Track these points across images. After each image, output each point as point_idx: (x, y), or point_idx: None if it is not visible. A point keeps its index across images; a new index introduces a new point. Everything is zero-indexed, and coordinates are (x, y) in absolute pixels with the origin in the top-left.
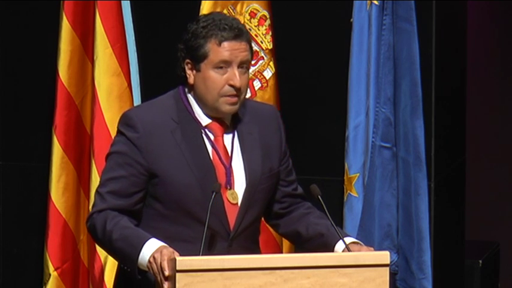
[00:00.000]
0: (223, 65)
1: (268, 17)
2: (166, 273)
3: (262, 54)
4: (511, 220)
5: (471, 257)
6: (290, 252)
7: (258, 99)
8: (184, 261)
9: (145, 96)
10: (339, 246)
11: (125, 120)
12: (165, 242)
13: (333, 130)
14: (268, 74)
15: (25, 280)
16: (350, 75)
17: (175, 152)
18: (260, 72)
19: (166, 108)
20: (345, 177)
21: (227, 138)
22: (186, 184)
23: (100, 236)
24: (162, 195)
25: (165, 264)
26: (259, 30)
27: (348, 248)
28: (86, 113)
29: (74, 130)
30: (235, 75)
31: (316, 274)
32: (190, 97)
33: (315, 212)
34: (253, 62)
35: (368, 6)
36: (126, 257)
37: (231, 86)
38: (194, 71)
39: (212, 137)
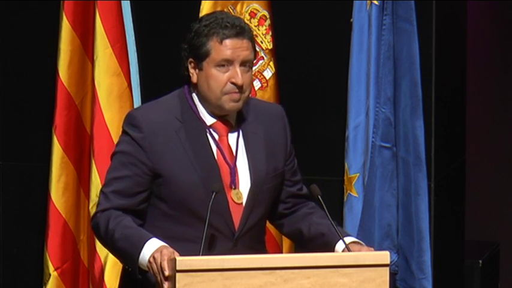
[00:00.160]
0: (225, 63)
1: (268, 17)
2: (166, 273)
3: (262, 54)
4: (511, 220)
5: (471, 257)
6: (290, 252)
7: None
8: (184, 261)
9: (145, 96)
10: (340, 246)
11: (130, 120)
12: (170, 242)
13: (333, 130)
14: (268, 74)
15: (25, 280)
16: (350, 75)
17: (180, 151)
18: (260, 72)
19: (171, 108)
20: (345, 177)
21: (232, 137)
22: (190, 184)
23: (103, 235)
24: (167, 195)
25: (165, 264)
26: (259, 30)
27: (347, 248)
28: (86, 113)
29: (74, 130)
30: (237, 74)
31: (316, 274)
32: (194, 96)
33: (318, 211)
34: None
35: (368, 6)
36: (127, 257)
37: (233, 84)
38: (197, 70)
39: (217, 137)
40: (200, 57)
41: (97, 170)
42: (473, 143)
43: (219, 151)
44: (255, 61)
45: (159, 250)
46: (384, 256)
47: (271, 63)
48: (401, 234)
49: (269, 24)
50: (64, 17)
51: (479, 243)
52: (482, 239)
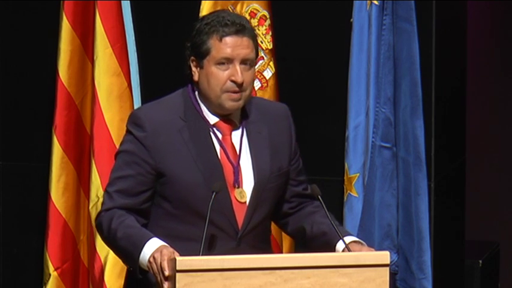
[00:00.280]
0: (225, 61)
1: (268, 17)
2: (166, 273)
3: (262, 54)
4: (511, 220)
5: (471, 257)
6: (290, 252)
7: None
8: (184, 261)
9: (145, 96)
10: (340, 245)
11: (133, 119)
12: (174, 241)
13: (333, 130)
14: (268, 74)
15: (25, 280)
16: (350, 75)
17: (183, 150)
18: (260, 72)
19: (175, 107)
20: (345, 177)
21: (235, 136)
22: (193, 183)
23: (106, 234)
24: (170, 194)
25: (165, 264)
26: (259, 30)
27: (347, 248)
28: (86, 113)
29: (74, 130)
30: (236, 72)
31: (316, 274)
32: (198, 95)
33: (321, 210)
34: None
35: (368, 6)
36: (128, 256)
37: (233, 82)
38: (198, 68)
39: (220, 136)
40: (201, 55)
41: (97, 170)
42: (473, 143)
43: (222, 150)
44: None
45: (159, 250)
46: (384, 256)
47: (271, 63)
48: (401, 234)
49: (269, 24)
50: (64, 17)
51: (479, 243)
52: (482, 239)
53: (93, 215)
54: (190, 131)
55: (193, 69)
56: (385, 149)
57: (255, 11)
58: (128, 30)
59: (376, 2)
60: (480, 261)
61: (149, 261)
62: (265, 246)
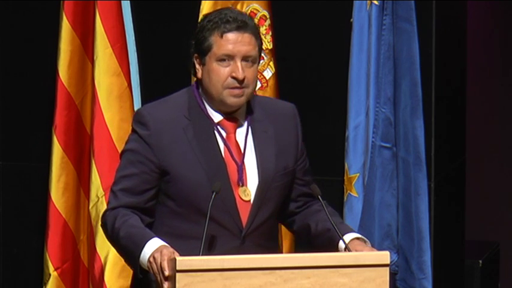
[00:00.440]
0: (226, 57)
1: (268, 17)
2: (166, 273)
3: (262, 54)
4: (511, 220)
5: (471, 257)
6: (290, 252)
7: None
8: (184, 261)
9: (145, 96)
10: (342, 242)
11: (137, 118)
12: (178, 240)
13: (333, 130)
14: (268, 74)
15: (25, 280)
16: (350, 75)
17: (187, 149)
18: (260, 72)
19: (179, 105)
20: (345, 177)
21: (240, 135)
22: (197, 181)
23: (110, 234)
24: (174, 193)
25: (165, 264)
26: None
27: (347, 248)
28: (86, 113)
29: (74, 130)
30: (237, 68)
31: (316, 274)
32: (202, 93)
33: (327, 208)
34: None
35: (368, 6)
36: (130, 256)
37: (234, 78)
38: (201, 65)
39: (224, 134)
40: (203, 52)
41: (97, 170)
42: (473, 143)
43: (226, 148)
44: None
45: (159, 250)
46: (384, 256)
47: (271, 63)
48: (401, 234)
49: (269, 24)
50: (64, 17)
51: (479, 243)
52: (482, 239)
53: (93, 215)
54: (194, 129)
55: (197, 66)
56: (385, 149)
57: (255, 11)
58: (128, 30)
59: (376, 2)
60: (480, 261)
61: (149, 261)
62: (271, 244)
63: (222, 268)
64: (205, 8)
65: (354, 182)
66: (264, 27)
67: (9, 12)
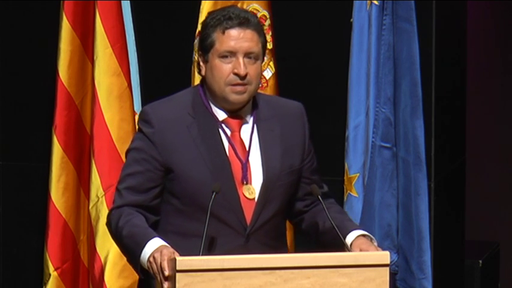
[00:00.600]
0: (228, 54)
1: (268, 17)
2: (166, 273)
3: None
4: (511, 220)
5: (471, 257)
6: (290, 252)
7: None
8: (184, 261)
9: (145, 96)
10: (348, 239)
11: (142, 116)
12: (183, 238)
13: (333, 130)
14: (268, 74)
15: (25, 280)
16: (350, 75)
17: (191, 147)
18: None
19: (184, 103)
20: (345, 177)
21: (245, 133)
22: (201, 179)
23: (113, 233)
24: (178, 191)
25: (165, 264)
26: None
27: (347, 248)
28: (86, 113)
29: (74, 130)
30: (239, 64)
31: (316, 274)
32: (207, 91)
33: (335, 207)
34: None
35: (368, 6)
36: (131, 255)
37: (236, 74)
38: (205, 62)
39: (229, 132)
40: (206, 48)
41: (97, 170)
42: (473, 143)
43: (230, 146)
44: None
45: (159, 250)
46: (384, 256)
47: (271, 63)
48: (401, 234)
49: (269, 24)
50: (64, 17)
51: (479, 243)
52: (482, 239)
53: (93, 215)
54: (198, 128)
55: (201, 64)
56: (385, 149)
57: (255, 11)
58: (128, 30)
59: (376, 2)
60: (480, 261)
61: (149, 260)
62: (277, 243)
63: (222, 268)
64: (205, 8)
65: (354, 182)
66: (264, 27)
67: (9, 12)
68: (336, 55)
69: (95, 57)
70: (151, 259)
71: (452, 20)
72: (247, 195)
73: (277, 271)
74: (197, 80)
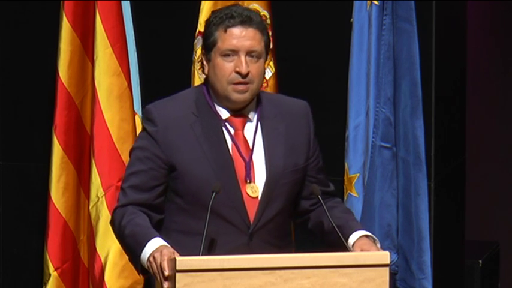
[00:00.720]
0: (231, 52)
1: (268, 17)
2: (166, 273)
3: None
4: (511, 220)
5: (471, 257)
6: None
7: None
8: (184, 261)
9: (145, 96)
10: (351, 239)
11: (146, 114)
12: (186, 236)
13: (333, 130)
14: (268, 74)
15: (25, 280)
16: (350, 75)
17: (194, 145)
18: None
19: (188, 102)
20: (345, 177)
21: (249, 132)
22: (204, 177)
23: (116, 231)
24: (181, 189)
25: (165, 264)
26: None
27: (347, 247)
28: (86, 113)
29: (74, 130)
30: (241, 63)
31: (316, 274)
32: (211, 90)
33: (341, 206)
34: None
35: (368, 6)
36: (132, 254)
37: (238, 73)
38: (208, 61)
39: (232, 131)
40: (209, 47)
41: (97, 170)
42: (473, 143)
43: (234, 145)
44: None
45: (159, 250)
46: (384, 256)
47: (271, 63)
48: (401, 234)
49: (269, 24)
50: (64, 17)
51: (479, 243)
52: (482, 239)
53: (93, 215)
54: (202, 126)
55: (204, 62)
56: (385, 149)
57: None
58: (128, 30)
59: (376, 2)
60: (480, 261)
61: (149, 260)
62: (282, 243)
63: (222, 268)
64: (205, 8)
65: (354, 182)
66: None
67: (9, 12)
68: (336, 55)
69: (95, 57)
70: (151, 259)
71: (452, 20)
72: (250, 193)
73: (277, 271)
74: (197, 80)
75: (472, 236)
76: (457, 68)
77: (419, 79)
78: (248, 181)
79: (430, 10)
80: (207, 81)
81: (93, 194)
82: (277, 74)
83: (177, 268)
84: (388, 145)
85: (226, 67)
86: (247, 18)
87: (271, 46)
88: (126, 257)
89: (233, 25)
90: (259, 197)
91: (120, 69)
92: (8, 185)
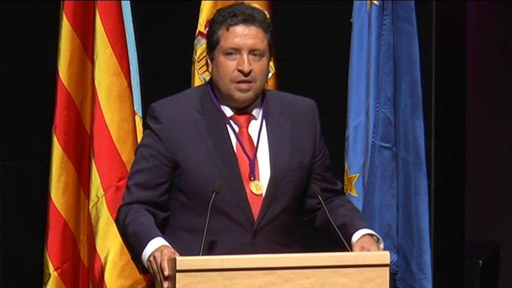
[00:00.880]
0: (233, 51)
1: (268, 17)
2: (166, 273)
3: None
4: (511, 220)
5: (471, 257)
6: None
7: None
8: (184, 261)
9: (145, 96)
10: (355, 237)
11: (150, 112)
12: (190, 234)
13: (333, 130)
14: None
15: (25, 280)
16: (350, 75)
17: (198, 143)
18: None
19: (192, 100)
20: (345, 177)
21: (254, 129)
22: (208, 175)
23: (120, 230)
24: (185, 187)
25: (165, 264)
26: None
27: (348, 248)
28: (86, 113)
29: (74, 130)
30: (243, 61)
31: (316, 274)
32: (215, 89)
33: (348, 204)
34: None
35: (368, 6)
36: (134, 253)
37: (240, 71)
38: (211, 60)
39: (237, 129)
40: (212, 46)
41: (97, 170)
42: (473, 143)
43: (238, 143)
44: None
45: (160, 250)
46: (384, 256)
47: (271, 63)
48: (401, 234)
49: None
50: (64, 17)
51: (479, 243)
52: (482, 239)
53: (93, 215)
54: (206, 124)
55: (208, 61)
56: (385, 149)
57: None
58: (128, 30)
59: (376, 2)
60: (480, 261)
61: (149, 260)
62: (286, 241)
63: (222, 268)
64: (205, 8)
65: (353, 182)
66: None
67: (9, 12)
68: (336, 55)
69: (95, 57)
70: (151, 258)
71: (452, 20)
72: (254, 191)
73: (277, 271)
74: (197, 79)
75: (472, 236)
76: (457, 68)
77: (419, 79)
78: (252, 178)
79: (430, 10)
80: (211, 80)
81: (93, 194)
82: (277, 74)
83: (177, 268)
84: (388, 145)
85: (229, 65)
86: (250, 17)
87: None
88: (126, 257)
89: (235, 23)
90: (263, 195)
91: (120, 69)
92: (8, 185)
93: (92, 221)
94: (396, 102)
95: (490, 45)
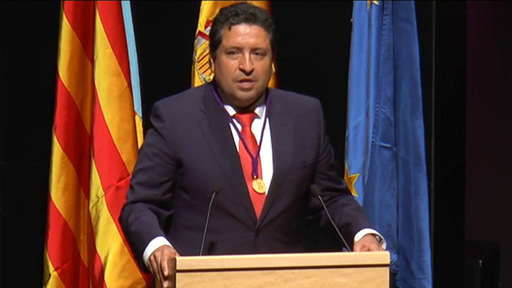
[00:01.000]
0: (235, 50)
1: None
2: (166, 272)
3: None
4: (511, 220)
5: (471, 257)
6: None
7: None
8: (184, 261)
9: (145, 96)
10: (357, 236)
11: (153, 111)
12: (194, 232)
13: (333, 130)
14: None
15: (25, 280)
16: (350, 75)
17: (201, 141)
18: None
19: (195, 99)
20: (345, 177)
21: (257, 128)
22: (210, 173)
23: (123, 228)
24: (188, 185)
25: (165, 264)
26: None
27: (349, 248)
28: (86, 113)
29: (74, 130)
30: (245, 60)
31: (316, 274)
32: (218, 88)
33: (353, 203)
34: None
35: (368, 6)
36: (135, 252)
37: (242, 70)
38: (214, 59)
39: (240, 127)
40: (215, 45)
41: (97, 170)
42: (473, 143)
43: (241, 141)
44: None
45: (161, 249)
46: (384, 256)
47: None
48: (401, 234)
49: None
50: (64, 17)
51: (479, 243)
52: (482, 239)
53: (93, 215)
54: (209, 122)
55: (211, 60)
56: (385, 149)
57: None
58: (128, 30)
59: (376, 2)
60: (480, 261)
61: (149, 259)
62: (290, 239)
63: (222, 268)
64: (205, 8)
65: (354, 182)
66: None
67: (9, 12)
68: (335, 55)
69: (95, 57)
70: (152, 258)
71: (452, 20)
72: (257, 189)
73: (277, 271)
74: (197, 79)
75: (472, 236)
76: (457, 68)
77: (419, 79)
78: (255, 177)
79: (430, 10)
80: (214, 79)
81: (93, 194)
82: (277, 74)
83: (177, 268)
84: (388, 145)
85: (231, 64)
86: (252, 16)
87: None
88: (126, 257)
89: (237, 22)
90: (266, 193)
91: (120, 69)
92: (8, 185)
93: (92, 221)
94: (396, 102)
95: (490, 45)
